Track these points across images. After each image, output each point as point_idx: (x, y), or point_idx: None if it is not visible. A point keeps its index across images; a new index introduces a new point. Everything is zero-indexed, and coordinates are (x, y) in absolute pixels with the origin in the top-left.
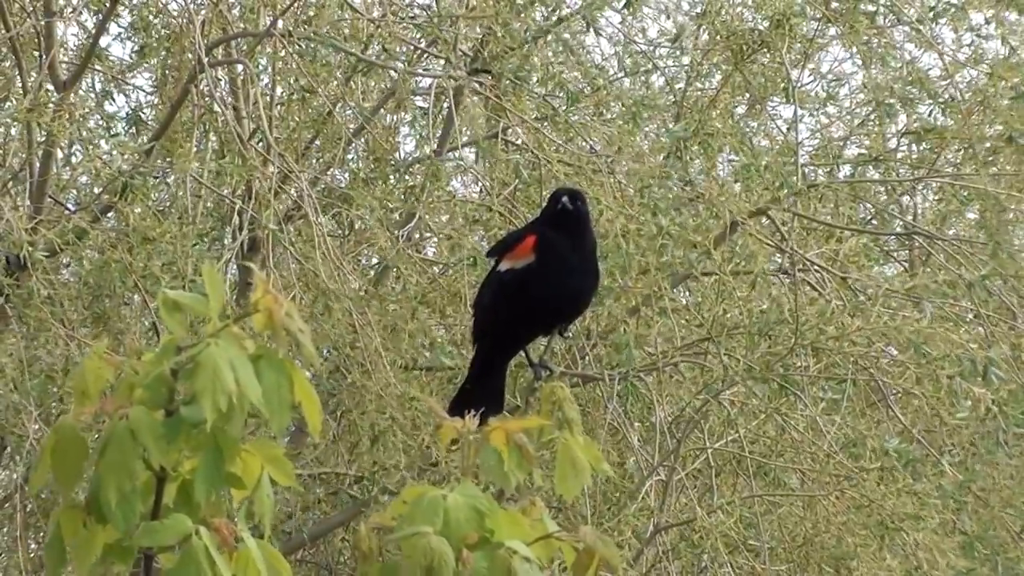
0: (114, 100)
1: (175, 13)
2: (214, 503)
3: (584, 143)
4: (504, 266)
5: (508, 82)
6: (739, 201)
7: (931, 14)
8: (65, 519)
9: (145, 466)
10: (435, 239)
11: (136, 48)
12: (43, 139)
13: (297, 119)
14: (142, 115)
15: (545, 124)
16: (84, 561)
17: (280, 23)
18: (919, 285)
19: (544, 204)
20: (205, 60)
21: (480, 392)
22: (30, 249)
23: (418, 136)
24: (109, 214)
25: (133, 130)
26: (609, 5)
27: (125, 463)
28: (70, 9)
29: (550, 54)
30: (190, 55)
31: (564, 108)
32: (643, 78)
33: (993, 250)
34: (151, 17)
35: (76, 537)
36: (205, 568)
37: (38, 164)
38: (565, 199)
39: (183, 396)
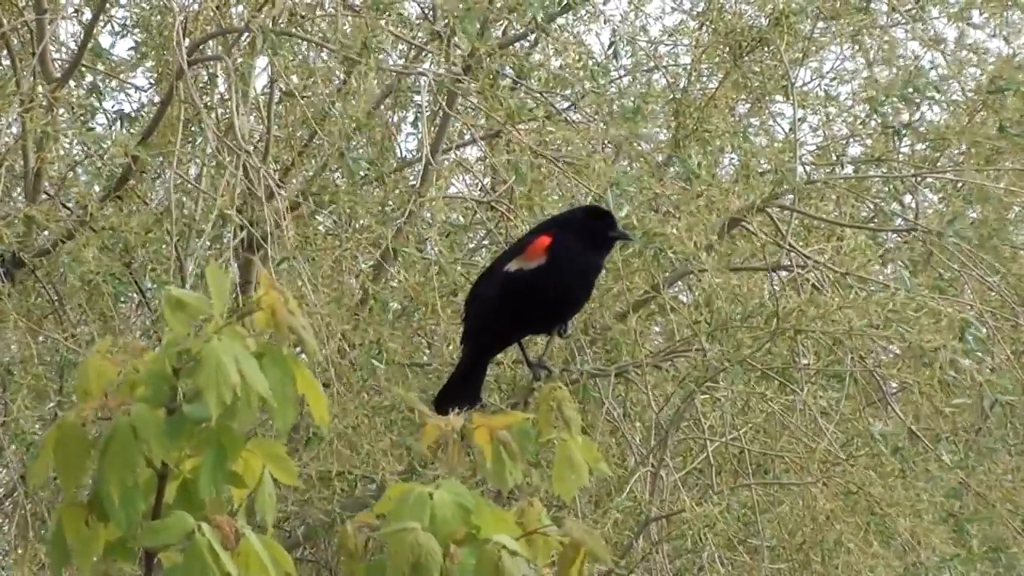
0: (102, 96)
1: (173, 12)
2: (215, 501)
3: (584, 142)
4: (513, 266)
5: (504, 79)
6: (738, 198)
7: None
8: (67, 517)
9: (147, 464)
10: (433, 239)
11: (132, 46)
12: (37, 136)
13: (293, 117)
14: (142, 115)
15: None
16: (86, 559)
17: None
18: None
19: (571, 211)
20: (183, 61)
21: (462, 388)
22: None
23: (417, 135)
24: (106, 210)
25: (131, 131)
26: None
27: (128, 459)
28: (72, 9)
29: (552, 51)
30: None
31: (558, 104)
32: (644, 78)
33: (990, 235)
34: (151, 17)
35: (78, 535)
36: (210, 564)
37: (33, 162)
38: (618, 232)
39: (186, 394)
